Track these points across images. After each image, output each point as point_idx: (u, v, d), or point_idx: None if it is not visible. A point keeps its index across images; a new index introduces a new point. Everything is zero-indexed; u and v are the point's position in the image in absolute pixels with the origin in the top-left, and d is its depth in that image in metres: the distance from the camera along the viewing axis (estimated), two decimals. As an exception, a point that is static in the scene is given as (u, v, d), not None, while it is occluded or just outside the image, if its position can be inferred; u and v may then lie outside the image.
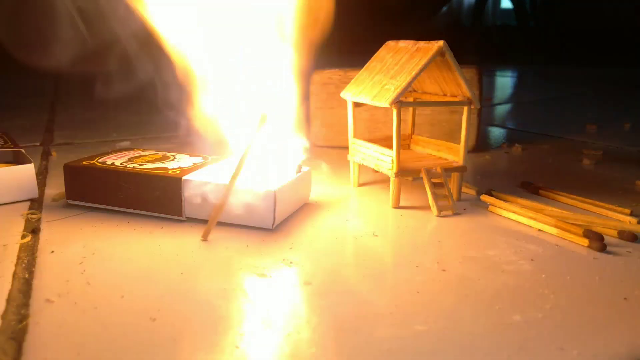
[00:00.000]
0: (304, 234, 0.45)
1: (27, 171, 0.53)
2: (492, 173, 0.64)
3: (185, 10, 0.47)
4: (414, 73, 0.49)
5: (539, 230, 0.46)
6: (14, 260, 0.40)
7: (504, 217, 0.49)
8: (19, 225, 0.48)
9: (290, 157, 0.51)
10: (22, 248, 0.43)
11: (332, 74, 0.74)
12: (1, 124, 1.00)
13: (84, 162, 0.51)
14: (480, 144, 0.80)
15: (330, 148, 0.78)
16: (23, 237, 0.45)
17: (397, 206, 0.52)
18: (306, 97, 0.51)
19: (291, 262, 0.40)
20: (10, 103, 1.29)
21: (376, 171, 0.65)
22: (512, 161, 0.70)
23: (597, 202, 0.51)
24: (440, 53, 0.49)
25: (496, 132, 0.91)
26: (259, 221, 0.46)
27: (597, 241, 0.42)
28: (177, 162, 0.52)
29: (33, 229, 0.47)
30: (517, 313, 0.32)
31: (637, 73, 1.93)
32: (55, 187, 0.59)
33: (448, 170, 0.53)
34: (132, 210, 0.49)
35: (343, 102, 0.75)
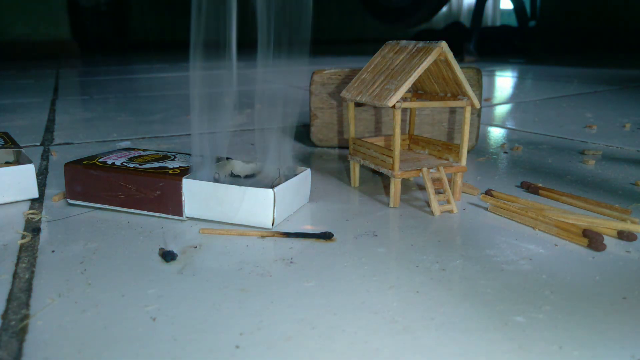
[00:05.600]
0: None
1: (27, 171, 0.53)
2: (492, 173, 0.64)
3: None
4: (414, 73, 0.49)
5: (539, 230, 0.46)
6: (15, 260, 0.41)
7: (504, 217, 0.49)
8: (20, 225, 0.48)
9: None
10: (23, 248, 0.43)
11: (332, 74, 0.74)
12: (1, 124, 1.00)
13: (84, 162, 0.51)
14: (480, 144, 0.80)
15: (330, 148, 0.78)
16: (23, 237, 0.45)
17: (397, 206, 0.52)
18: None
19: (291, 262, 0.40)
20: (10, 103, 1.29)
21: (376, 171, 0.65)
22: (512, 161, 0.70)
23: (597, 202, 0.51)
24: (440, 53, 0.49)
25: (496, 132, 0.91)
26: (258, 221, 0.46)
27: (597, 241, 0.42)
28: (178, 161, 0.52)
29: (33, 229, 0.47)
30: (517, 313, 0.32)
31: (637, 73, 1.93)
32: (55, 187, 0.59)
33: (448, 170, 0.53)
34: (132, 210, 0.49)
35: (343, 102, 0.75)
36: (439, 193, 0.53)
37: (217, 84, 0.49)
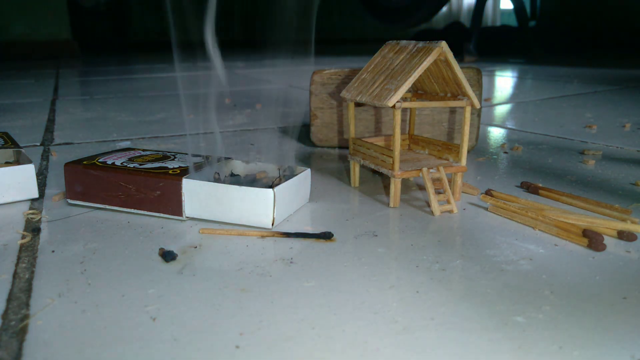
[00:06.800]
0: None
1: (27, 171, 0.53)
2: (492, 173, 0.64)
3: None
4: (414, 73, 0.49)
5: (539, 230, 0.46)
6: (15, 260, 0.41)
7: (504, 217, 0.49)
8: (20, 225, 0.48)
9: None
10: (23, 248, 0.43)
11: (332, 74, 0.74)
12: (1, 124, 1.00)
13: (84, 162, 0.51)
14: (480, 144, 0.80)
15: (330, 148, 0.78)
16: (23, 237, 0.45)
17: (397, 206, 0.52)
18: None
19: (291, 262, 0.40)
20: (10, 103, 1.29)
21: (376, 171, 0.65)
22: (512, 161, 0.70)
23: (597, 202, 0.51)
24: (440, 53, 0.49)
25: (496, 132, 0.91)
26: (258, 221, 0.46)
27: (597, 241, 0.42)
28: (177, 161, 0.52)
29: (33, 229, 0.47)
30: (517, 313, 0.32)
31: (637, 73, 1.93)
32: (55, 187, 0.59)
33: (448, 170, 0.53)
34: (132, 210, 0.49)
35: (343, 102, 0.75)
36: (439, 193, 0.53)
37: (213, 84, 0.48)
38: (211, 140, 0.84)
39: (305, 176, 0.52)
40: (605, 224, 0.45)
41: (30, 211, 0.51)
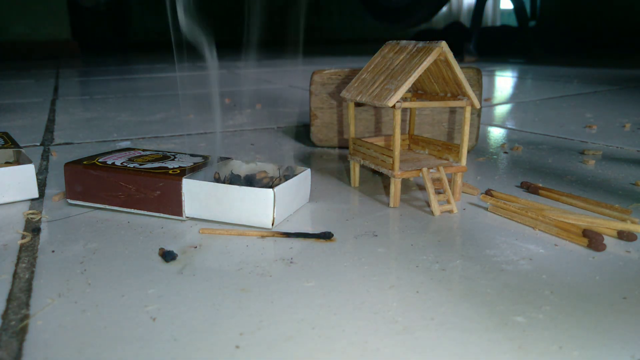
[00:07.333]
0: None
1: (27, 171, 0.53)
2: (492, 173, 0.64)
3: None
4: (414, 73, 0.49)
5: (539, 230, 0.46)
6: (15, 260, 0.41)
7: (504, 217, 0.49)
8: (20, 225, 0.48)
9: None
10: (23, 248, 0.43)
11: (332, 74, 0.74)
12: (1, 124, 1.00)
13: (84, 162, 0.51)
14: (480, 144, 0.80)
15: (330, 148, 0.78)
16: (23, 237, 0.45)
17: (397, 206, 0.52)
18: None
19: (291, 262, 0.40)
20: (10, 103, 1.29)
21: (376, 171, 0.65)
22: (512, 161, 0.70)
23: (597, 202, 0.51)
24: (440, 53, 0.49)
25: (496, 132, 0.91)
26: (258, 221, 0.46)
27: (597, 241, 0.42)
28: (178, 161, 0.52)
29: (33, 229, 0.47)
30: (517, 313, 0.32)
31: (637, 73, 1.92)
32: (55, 187, 0.59)
33: (448, 170, 0.53)
34: (132, 210, 0.49)
35: (343, 102, 0.75)
36: (439, 193, 0.53)
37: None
38: (211, 140, 0.84)
39: (305, 176, 0.52)
40: (605, 224, 0.45)
41: (30, 211, 0.51)
